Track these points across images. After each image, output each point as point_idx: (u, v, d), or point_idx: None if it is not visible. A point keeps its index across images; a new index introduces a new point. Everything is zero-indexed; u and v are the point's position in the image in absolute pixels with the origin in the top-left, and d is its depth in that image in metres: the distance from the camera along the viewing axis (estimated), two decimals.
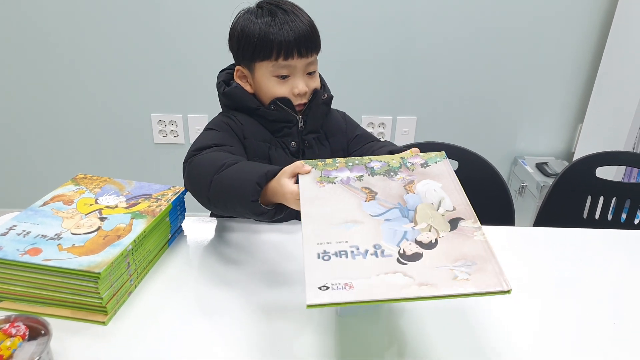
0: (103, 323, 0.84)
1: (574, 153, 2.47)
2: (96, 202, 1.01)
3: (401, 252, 0.70)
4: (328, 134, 1.20)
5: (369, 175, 0.84)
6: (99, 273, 0.80)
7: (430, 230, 0.73)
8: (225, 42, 1.14)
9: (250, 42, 1.07)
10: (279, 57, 1.06)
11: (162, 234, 1.03)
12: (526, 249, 1.13)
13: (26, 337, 0.73)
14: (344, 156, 1.20)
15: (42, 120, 2.36)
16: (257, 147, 1.11)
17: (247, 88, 1.14)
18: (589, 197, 1.55)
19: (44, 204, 0.99)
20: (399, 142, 1.38)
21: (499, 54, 2.28)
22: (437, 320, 0.88)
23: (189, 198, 1.11)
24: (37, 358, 0.69)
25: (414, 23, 2.21)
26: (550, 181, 2.20)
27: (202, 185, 0.95)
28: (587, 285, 1.00)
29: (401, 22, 2.21)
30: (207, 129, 1.13)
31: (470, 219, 0.76)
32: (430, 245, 0.71)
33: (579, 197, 1.55)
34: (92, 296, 0.83)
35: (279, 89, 1.09)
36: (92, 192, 1.04)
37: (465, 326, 0.88)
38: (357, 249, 0.70)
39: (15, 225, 0.91)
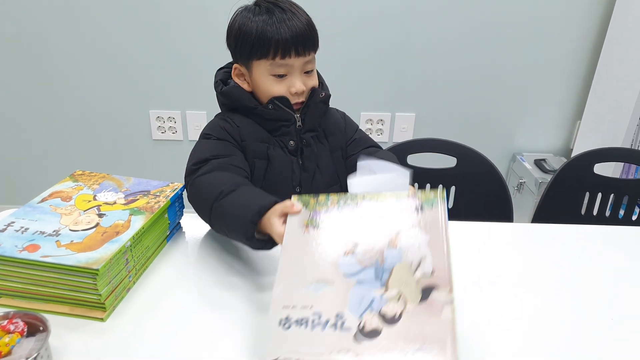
0: (101, 319, 0.84)
1: (572, 149, 2.47)
2: (94, 199, 1.01)
3: (361, 326, 0.70)
4: (327, 132, 1.20)
5: (358, 215, 0.82)
6: (97, 269, 0.80)
7: (398, 300, 0.72)
8: (224, 39, 1.14)
9: (247, 41, 1.06)
10: (276, 56, 1.05)
11: (161, 231, 1.03)
12: (524, 245, 1.13)
13: (25, 333, 0.73)
14: (342, 155, 1.21)
15: (40, 116, 2.35)
16: (255, 148, 1.11)
17: (245, 86, 1.13)
18: (587, 194, 1.55)
19: (42, 201, 0.98)
20: (398, 139, 1.38)
21: (498, 51, 2.28)
22: None
23: None
24: (36, 354, 0.70)
25: (413, 20, 2.21)
26: (548, 177, 2.20)
27: (204, 211, 0.99)
28: (585, 281, 1.01)
29: (400, 19, 2.21)
30: (203, 134, 1.12)
31: (445, 288, 0.73)
32: (393, 320, 0.70)
33: (577, 193, 1.56)
34: (91, 292, 0.83)
35: (276, 88, 1.09)
36: (90, 189, 1.04)
37: (463, 321, 0.88)
38: (320, 317, 0.72)
39: (13, 222, 0.91)
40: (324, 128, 1.20)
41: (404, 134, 2.42)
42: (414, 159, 1.52)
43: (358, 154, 1.22)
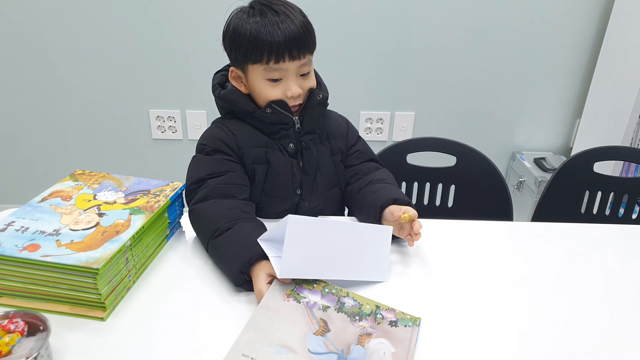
0: (102, 319, 0.84)
1: (572, 148, 2.47)
2: (94, 198, 1.01)
3: None
4: (330, 135, 1.20)
5: (335, 309, 0.85)
6: (97, 269, 0.80)
7: None
8: None
9: (241, 45, 1.05)
10: (270, 61, 1.04)
11: (161, 230, 1.03)
12: (524, 244, 1.13)
13: (25, 333, 0.73)
14: (342, 159, 1.21)
15: (40, 116, 2.35)
16: (253, 154, 1.11)
17: (242, 89, 1.13)
18: (587, 192, 1.55)
19: (43, 200, 0.98)
20: (398, 138, 1.38)
21: (497, 49, 2.28)
22: (437, 317, 0.88)
23: None
24: (36, 354, 0.70)
25: (412, 18, 2.21)
26: (548, 176, 2.20)
27: (203, 242, 1.02)
28: (585, 280, 1.01)
29: (399, 17, 2.21)
30: (200, 145, 1.13)
31: None
32: None
33: (576, 192, 1.56)
34: (91, 292, 0.83)
35: (271, 92, 1.08)
36: (90, 188, 1.04)
37: (463, 320, 0.88)
38: None
39: (13, 221, 0.91)
40: (327, 131, 1.20)
41: (403, 133, 2.42)
42: (414, 158, 1.52)
43: (360, 166, 1.22)
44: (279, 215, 0.92)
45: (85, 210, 0.96)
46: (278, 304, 0.84)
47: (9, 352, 0.70)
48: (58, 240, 0.86)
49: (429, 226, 1.16)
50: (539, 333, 0.86)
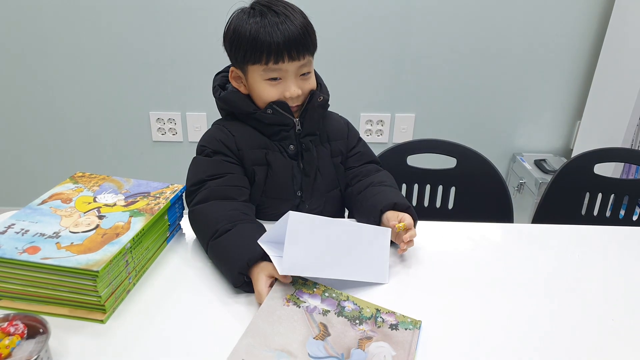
0: (101, 321, 0.84)
1: (572, 150, 2.47)
2: (94, 201, 1.01)
3: None
4: (330, 137, 1.20)
5: (335, 313, 0.85)
6: (97, 271, 0.80)
7: None
8: None
9: (241, 45, 1.06)
10: (269, 62, 1.04)
11: (161, 232, 1.03)
12: (525, 245, 1.13)
13: (25, 335, 0.73)
14: (343, 160, 1.21)
15: (40, 118, 2.35)
16: (253, 156, 1.11)
17: (242, 89, 1.13)
18: (587, 194, 1.55)
19: (43, 203, 0.98)
20: (398, 140, 1.38)
21: (497, 51, 2.28)
22: (437, 320, 0.88)
23: None
24: (36, 356, 0.70)
25: (412, 20, 2.21)
26: (548, 178, 2.20)
27: (202, 243, 1.03)
28: (585, 282, 1.01)
29: (399, 19, 2.21)
30: (200, 147, 1.13)
31: None
32: None
33: (577, 193, 1.56)
34: (91, 294, 0.83)
35: (270, 93, 1.08)
36: (90, 191, 1.04)
37: (464, 323, 0.88)
38: None
39: (13, 224, 0.91)
40: (327, 132, 1.20)
41: (403, 135, 2.42)
42: (414, 160, 1.52)
43: (360, 168, 1.22)
44: (279, 217, 0.92)
45: (85, 213, 0.96)
46: (278, 309, 0.84)
47: (9, 355, 0.70)
48: (58, 242, 0.86)
49: (429, 228, 1.16)
50: (539, 335, 0.85)
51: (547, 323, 0.88)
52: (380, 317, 0.86)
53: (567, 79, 2.36)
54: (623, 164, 2.09)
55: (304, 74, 1.09)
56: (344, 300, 0.88)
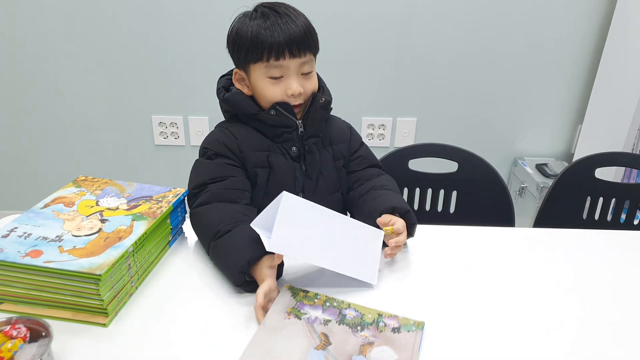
0: (104, 325, 0.84)
1: (573, 154, 2.47)
2: (97, 204, 1.01)
3: None
4: (332, 140, 1.20)
5: (337, 322, 0.85)
6: (99, 275, 0.80)
7: None
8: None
9: (243, 45, 1.07)
10: (270, 58, 1.05)
11: (163, 236, 1.03)
12: (526, 250, 1.13)
13: (27, 339, 0.73)
14: (345, 164, 1.22)
15: (43, 122, 2.36)
16: (255, 158, 1.11)
17: (245, 91, 1.14)
18: (589, 198, 1.55)
19: (45, 206, 0.99)
20: (399, 144, 1.39)
21: (499, 55, 2.29)
22: (439, 323, 0.88)
23: None
24: None
25: (414, 24, 2.22)
26: (550, 182, 2.20)
27: (204, 244, 1.03)
28: (586, 286, 1.01)
29: (401, 24, 2.21)
30: (202, 149, 1.13)
31: None
32: None
33: (578, 198, 1.56)
34: (93, 298, 0.83)
35: (272, 90, 1.09)
36: (93, 194, 1.04)
37: (466, 326, 0.88)
38: None
39: (16, 228, 0.91)
40: (330, 136, 1.20)
41: (405, 139, 2.42)
42: (416, 164, 1.52)
43: (362, 172, 1.22)
44: None
45: (87, 217, 0.96)
46: (279, 323, 0.84)
47: (12, 359, 0.70)
48: (61, 246, 0.86)
49: (431, 232, 1.16)
50: (541, 338, 0.85)
51: (548, 326, 0.88)
52: (382, 322, 0.86)
53: (568, 84, 2.36)
54: (624, 168, 2.09)
55: (305, 73, 1.10)
56: (345, 308, 0.88)
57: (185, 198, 1.10)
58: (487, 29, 2.23)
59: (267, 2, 1.11)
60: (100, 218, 0.96)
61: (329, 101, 1.16)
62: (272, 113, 1.10)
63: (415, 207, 1.56)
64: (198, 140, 2.34)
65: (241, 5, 1.12)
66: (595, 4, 2.20)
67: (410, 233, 1.06)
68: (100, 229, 0.92)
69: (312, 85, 1.12)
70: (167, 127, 2.38)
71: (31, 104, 2.32)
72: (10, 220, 0.95)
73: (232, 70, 1.17)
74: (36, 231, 0.90)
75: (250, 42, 1.06)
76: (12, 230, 0.90)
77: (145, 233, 0.94)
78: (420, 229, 1.10)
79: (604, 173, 1.53)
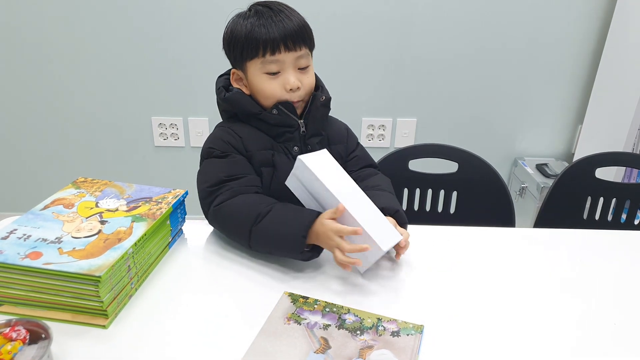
0: (104, 326, 0.84)
1: (574, 154, 2.47)
2: (97, 206, 1.01)
3: None
4: (331, 141, 1.20)
5: (336, 326, 0.85)
6: (99, 276, 0.80)
7: None
8: None
9: (238, 42, 1.08)
10: (266, 53, 1.05)
11: (163, 237, 1.03)
12: (526, 250, 1.13)
13: (27, 341, 0.73)
14: (342, 164, 1.21)
15: (42, 123, 2.36)
16: (261, 157, 1.10)
17: (244, 90, 1.14)
18: (589, 198, 1.55)
19: (45, 208, 0.99)
20: (400, 144, 1.39)
21: (499, 55, 2.29)
22: (440, 324, 0.88)
23: (190, 201, 1.11)
24: None
25: (413, 23, 2.22)
26: (550, 182, 2.20)
27: (241, 235, 1.02)
28: (587, 286, 1.00)
29: (400, 23, 2.21)
30: (207, 149, 1.11)
31: None
32: None
33: (579, 198, 1.56)
34: (93, 299, 0.83)
35: (270, 86, 1.08)
36: (92, 196, 1.04)
37: (466, 327, 0.88)
38: None
39: (15, 229, 0.91)
40: (328, 136, 1.20)
41: (405, 140, 2.42)
42: (416, 165, 1.52)
43: (358, 172, 1.22)
44: None
45: (87, 218, 0.96)
46: (279, 328, 0.84)
47: None
48: (60, 247, 0.86)
49: (431, 233, 1.16)
50: (541, 339, 0.85)
51: (548, 326, 0.88)
52: (382, 326, 0.85)
53: (568, 83, 2.36)
54: (624, 168, 2.09)
55: (302, 68, 1.10)
56: (345, 313, 0.88)
57: (185, 200, 1.10)
58: (487, 29, 2.23)
59: (262, 1, 1.11)
60: (99, 219, 0.96)
61: (329, 99, 1.16)
62: (275, 112, 1.09)
63: (415, 207, 1.56)
64: (198, 141, 2.35)
65: (237, 6, 1.12)
66: (595, 4, 2.20)
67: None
68: (99, 231, 0.92)
69: (310, 80, 1.12)
70: (167, 128, 2.38)
71: (31, 105, 2.32)
72: (10, 222, 0.95)
73: (230, 70, 1.17)
74: (36, 233, 0.90)
75: (245, 39, 1.06)
76: (11, 232, 0.90)
77: (145, 234, 0.94)
78: (420, 229, 1.10)
79: (604, 173, 1.53)
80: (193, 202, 1.13)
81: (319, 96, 1.13)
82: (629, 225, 1.56)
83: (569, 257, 1.10)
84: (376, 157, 1.31)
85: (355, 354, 0.79)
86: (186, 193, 1.09)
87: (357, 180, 1.21)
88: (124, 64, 2.25)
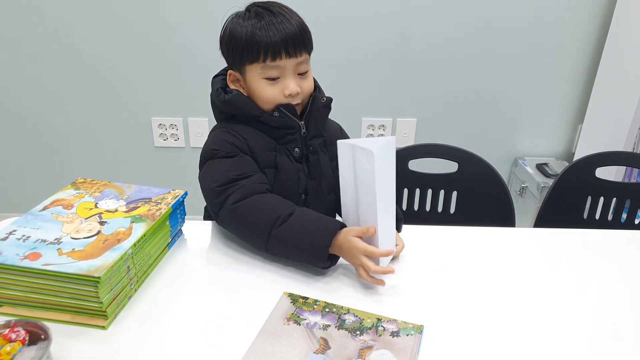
0: (103, 327, 0.84)
1: (574, 153, 2.46)
2: (96, 206, 1.01)
3: None
4: (327, 141, 1.20)
5: (336, 327, 0.85)
6: (98, 277, 0.80)
7: None
8: None
9: (238, 46, 1.06)
10: (267, 59, 1.04)
11: (162, 238, 1.03)
12: (527, 250, 1.13)
13: (26, 342, 0.73)
14: (337, 165, 1.21)
15: (42, 124, 2.36)
16: (265, 158, 1.10)
17: (241, 92, 1.12)
18: (589, 198, 1.55)
19: (44, 209, 0.99)
20: (400, 144, 1.38)
21: (499, 55, 2.29)
22: (440, 325, 0.88)
23: (189, 201, 1.11)
24: None
25: (413, 24, 2.22)
26: (550, 182, 2.20)
27: (259, 237, 1.01)
28: (587, 286, 1.00)
29: (400, 23, 2.21)
30: (211, 150, 1.09)
31: None
32: None
33: (579, 197, 1.55)
34: (92, 300, 0.83)
35: (269, 92, 1.08)
36: (91, 197, 1.04)
37: (466, 327, 0.88)
38: None
39: (15, 230, 0.91)
40: (325, 137, 1.19)
41: (405, 140, 2.42)
42: (416, 164, 1.52)
43: None
44: None
45: (86, 219, 0.96)
46: (278, 328, 0.84)
47: None
48: (59, 248, 0.86)
49: (431, 233, 1.16)
50: (541, 339, 0.85)
51: (548, 326, 0.88)
52: (382, 326, 0.85)
53: (568, 83, 2.36)
54: (625, 167, 2.09)
55: (301, 73, 1.09)
56: (345, 314, 0.88)
57: (184, 200, 1.10)
58: (487, 29, 2.23)
59: (260, 2, 1.10)
60: (99, 220, 0.96)
61: (330, 100, 1.15)
62: (276, 115, 1.09)
63: (416, 207, 1.55)
64: (198, 141, 2.34)
65: (234, 5, 1.11)
66: (595, 4, 2.20)
67: (397, 228, 1.09)
68: (99, 231, 0.92)
69: (309, 84, 1.11)
70: (167, 128, 2.38)
71: (30, 105, 2.32)
72: (9, 222, 0.94)
73: (225, 69, 1.15)
74: (35, 234, 0.90)
75: (246, 43, 1.04)
76: (10, 233, 0.90)
77: (144, 235, 0.93)
78: (420, 229, 1.10)
79: (604, 172, 1.53)
80: (193, 203, 1.13)
81: (319, 97, 1.12)
82: (629, 225, 1.56)
83: (569, 257, 1.10)
84: None
85: (354, 355, 0.79)
86: (185, 193, 1.09)
87: None
88: (123, 64, 2.25)
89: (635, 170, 2.11)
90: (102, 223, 0.95)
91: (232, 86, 1.13)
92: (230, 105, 1.12)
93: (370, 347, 0.81)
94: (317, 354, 0.79)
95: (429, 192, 1.54)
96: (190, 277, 1.00)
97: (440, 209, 1.56)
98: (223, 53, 1.12)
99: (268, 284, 0.96)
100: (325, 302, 0.91)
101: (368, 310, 0.89)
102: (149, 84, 2.29)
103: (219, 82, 1.15)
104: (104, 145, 2.41)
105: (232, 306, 0.91)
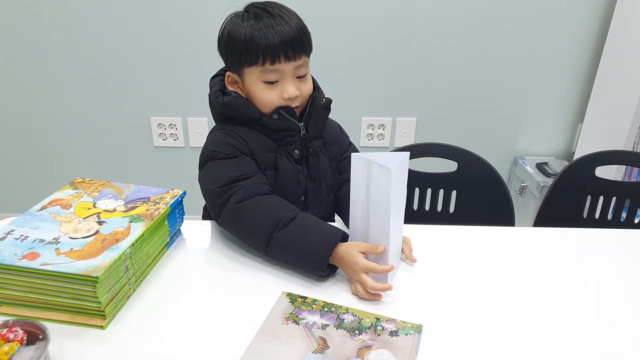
0: (101, 327, 0.84)
1: (574, 153, 2.46)
2: (94, 206, 1.01)
3: None
4: (327, 142, 1.19)
5: (334, 326, 0.85)
6: (96, 277, 0.80)
7: None
8: None
9: (236, 48, 1.05)
10: (266, 62, 1.03)
11: (161, 237, 1.03)
12: (526, 249, 1.13)
13: (24, 342, 0.73)
14: (336, 165, 1.21)
15: (40, 123, 2.36)
16: (265, 160, 1.10)
17: (240, 93, 1.12)
18: (589, 197, 1.55)
19: (42, 208, 0.98)
20: (399, 144, 1.38)
21: (499, 55, 2.28)
22: (439, 324, 0.87)
23: (188, 201, 1.11)
24: None
25: (413, 23, 2.21)
26: (550, 181, 2.19)
27: (259, 240, 1.00)
28: (587, 285, 1.00)
29: (400, 23, 2.21)
30: (211, 152, 1.09)
31: None
32: None
33: (579, 196, 1.55)
34: (91, 300, 0.82)
35: (268, 95, 1.07)
36: (90, 196, 1.04)
37: (465, 326, 0.87)
38: None
39: (13, 230, 0.90)
40: (324, 138, 1.19)
41: (405, 139, 2.42)
42: (415, 164, 1.51)
43: (348, 173, 1.22)
44: None
45: (84, 219, 0.96)
46: (277, 328, 0.84)
47: None
48: (57, 248, 0.86)
49: (430, 232, 1.16)
50: (541, 338, 0.85)
51: (548, 326, 0.88)
52: (380, 326, 0.85)
53: (568, 82, 2.35)
54: (625, 166, 2.09)
55: (300, 76, 1.08)
56: (343, 313, 0.88)
57: (183, 200, 1.09)
58: (487, 28, 2.23)
59: (258, 2, 1.08)
60: (97, 220, 0.96)
61: (330, 101, 1.14)
62: (275, 117, 1.08)
63: (415, 207, 1.55)
64: (197, 141, 2.34)
65: (232, 5, 1.10)
66: (595, 4, 2.19)
67: None
68: (97, 231, 0.92)
69: (308, 87, 1.11)
70: (166, 128, 2.37)
71: (29, 105, 2.32)
72: (7, 222, 0.94)
73: (223, 69, 1.15)
74: (33, 234, 0.90)
75: (244, 45, 1.03)
76: (8, 233, 0.89)
77: (143, 235, 0.93)
78: (419, 229, 1.09)
79: (604, 172, 1.53)
80: (191, 203, 1.13)
81: (318, 98, 1.11)
82: (629, 224, 1.56)
83: (569, 256, 1.10)
84: None
85: (353, 354, 0.79)
86: (184, 193, 1.09)
87: (349, 180, 1.20)
88: (123, 64, 2.25)
89: (635, 170, 2.11)
90: (100, 223, 0.95)
91: (230, 88, 1.12)
92: (229, 108, 1.11)
93: (369, 347, 0.81)
94: (315, 353, 0.79)
95: (429, 191, 1.54)
96: (189, 277, 0.99)
97: (439, 208, 1.56)
98: (221, 54, 1.11)
99: (267, 284, 0.96)
100: (324, 302, 0.90)
101: (367, 310, 0.89)
102: (148, 84, 2.29)
103: (217, 84, 1.14)
104: (103, 145, 2.41)
105: (231, 306, 0.91)
